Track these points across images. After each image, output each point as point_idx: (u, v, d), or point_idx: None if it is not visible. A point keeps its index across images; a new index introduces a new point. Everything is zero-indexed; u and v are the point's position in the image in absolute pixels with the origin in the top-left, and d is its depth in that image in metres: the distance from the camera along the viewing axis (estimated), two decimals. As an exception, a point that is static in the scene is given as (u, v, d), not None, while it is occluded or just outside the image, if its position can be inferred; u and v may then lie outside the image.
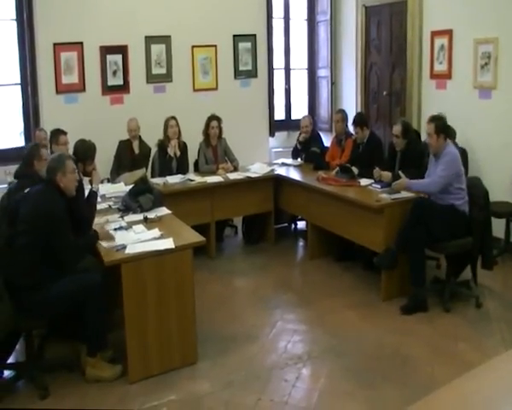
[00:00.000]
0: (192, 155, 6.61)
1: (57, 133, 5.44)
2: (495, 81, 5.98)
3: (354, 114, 7.86)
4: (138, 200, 4.79)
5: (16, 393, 3.74)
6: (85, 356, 3.80)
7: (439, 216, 4.65)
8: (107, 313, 3.89)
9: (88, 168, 4.53)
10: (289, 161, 6.98)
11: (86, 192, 4.40)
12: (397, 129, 5.47)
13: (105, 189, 5.54)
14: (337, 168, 5.91)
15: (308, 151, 6.79)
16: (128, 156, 6.25)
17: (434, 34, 6.73)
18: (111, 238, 4.02)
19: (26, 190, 3.86)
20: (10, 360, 4.01)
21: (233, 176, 6.27)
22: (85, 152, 4.56)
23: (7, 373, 3.91)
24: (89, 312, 3.68)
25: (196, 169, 6.62)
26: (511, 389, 2.04)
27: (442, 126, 4.78)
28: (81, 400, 3.63)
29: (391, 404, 3.53)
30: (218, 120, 6.45)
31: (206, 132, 6.47)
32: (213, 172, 6.34)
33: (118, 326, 3.99)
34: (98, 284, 3.71)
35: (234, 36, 7.69)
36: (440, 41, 6.65)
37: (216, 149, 6.52)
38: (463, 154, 5.98)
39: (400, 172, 5.05)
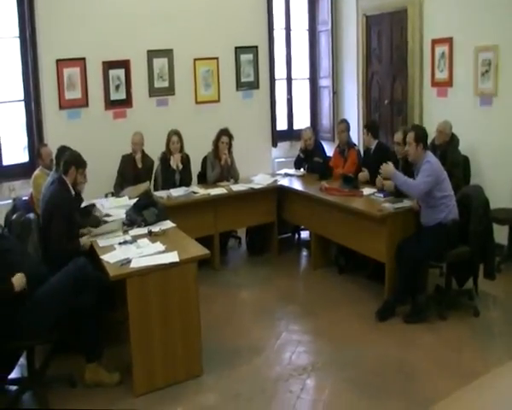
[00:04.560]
0: (195, 168, 6.65)
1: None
2: (495, 88, 6.00)
3: (357, 123, 7.96)
4: (142, 214, 4.82)
5: (19, 407, 3.77)
6: (86, 365, 3.86)
7: (428, 241, 4.72)
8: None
9: (80, 178, 4.50)
10: (292, 171, 7.00)
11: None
12: (398, 136, 5.49)
13: (109, 203, 5.56)
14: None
15: (311, 161, 6.82)
16: (131, 170, 6.26)
17: (435, 42, 6.75)
18: None
19: None
20: (15, 375, 4.04)
21: (236, 188, 6.29)
22: (78, 158, 4.53)
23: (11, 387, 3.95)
24: (82, 321, 3.76)
25: (200, 181, 6.64)
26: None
27: (421, 135, 4.84)
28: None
29: (395, 415, 3.55)
30: (230, 136, 6.49)
31: (215, 144, 6.51)
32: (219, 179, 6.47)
33: (123, 340, 4.04)
34: (87, 306, 3.78)
35: (235, 48, 7.73)
36: (441, 49, 6.68)
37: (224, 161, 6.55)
38: (465, 161, 6.00)
39: (380, 177, 5.09)
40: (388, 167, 4.94)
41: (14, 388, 3.90)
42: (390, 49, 7.53)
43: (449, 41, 6.52)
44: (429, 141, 5.97)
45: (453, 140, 5.92)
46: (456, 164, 5.68)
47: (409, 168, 5.23)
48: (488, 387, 2.12)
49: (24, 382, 3.93)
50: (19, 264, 3.65)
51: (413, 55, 7.05)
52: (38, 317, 3.56)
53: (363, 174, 5.93)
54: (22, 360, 4.00)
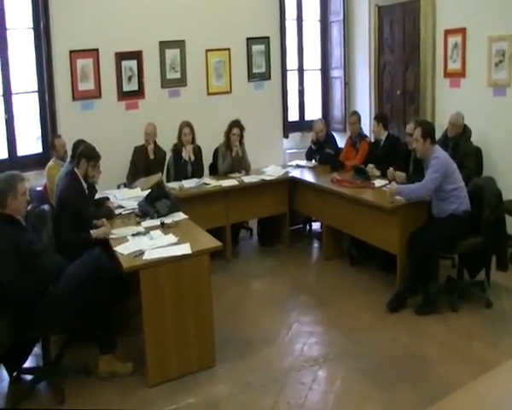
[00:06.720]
0: (207, 159, 6.67)
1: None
2: (509, 78, 5.95)
3: (369, 113, 7.92)
4: (155, 205, 4.84)
5: (35, 396, 3.81)
6: (100, 356, 3.91)
7: (440, 231, 4.70)
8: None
9: (91, 171, 4.54)
10: (303, 162, 7.01)
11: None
12: (410, 127, 5.47)
13: (122, 194, 5.60)
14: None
15: (322, 153, 6.82)
16: (143, 161, 6.29)
17: (448, 32, 6.70)
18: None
19: None
20: (31, 364, 4.10)
21: (248, 179, 6.31)
22: (92, 151, 4.58)
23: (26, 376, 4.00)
24: (98, 312, 3.79)
25: (212, 172, 6.67)
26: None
27: (428, 130, 4.81)
28: (100, 404, 3.68)
29: (407, 406, 3.55)
30: (241, 128, 6.49)
31: (227, 136, 6.52)
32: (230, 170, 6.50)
33: (136, 331, 4.08)
34: (102, 297, 3.80)
35: (247, 39, 7.73)
36: (454, 39, 6.62)
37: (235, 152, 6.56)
38: (478, 152, 5.98)
39: (391, 169, 5.06)
40: (392, 189, 4.96)
41: (29, 377, 3.96)
42: (402, 40, 7.49)
43: (462, 31, 6.47)
44: (441, 133, 6.00)
45: (465, 131, 5.89)
46: (468, 154, 5.66)
47: (420, 159, 5.22)
48: (501, 378, 2.11)
49: (39, 371, 3.99)
50: (43, 254, 3.70)
51: (425, 46, 7.00)
52: (55, 307, 3.60)
53: (372, 170, 5.90)
54: (37, 350, 4.07)
